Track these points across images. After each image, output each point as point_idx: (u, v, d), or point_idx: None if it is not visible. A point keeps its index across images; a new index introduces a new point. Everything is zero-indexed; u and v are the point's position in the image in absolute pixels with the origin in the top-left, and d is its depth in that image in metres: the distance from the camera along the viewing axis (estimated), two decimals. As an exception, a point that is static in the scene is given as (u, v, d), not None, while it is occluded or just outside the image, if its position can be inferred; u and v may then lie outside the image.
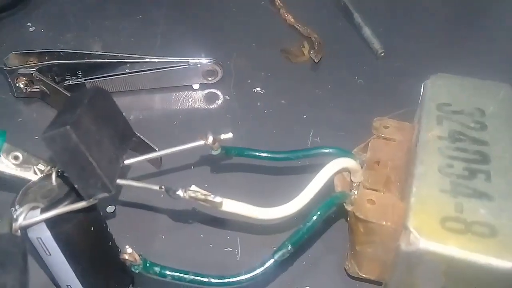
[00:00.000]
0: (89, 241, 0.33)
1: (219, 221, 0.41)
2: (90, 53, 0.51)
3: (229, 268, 0.37)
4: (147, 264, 0.30)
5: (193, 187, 0.29)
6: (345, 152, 0.33)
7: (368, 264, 0.33)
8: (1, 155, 0.34)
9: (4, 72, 0.50)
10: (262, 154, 0.34)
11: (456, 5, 0.64)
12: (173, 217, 0.41)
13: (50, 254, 0.32)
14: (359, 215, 0.30)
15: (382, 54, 0.54)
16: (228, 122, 0.49)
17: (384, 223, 0.30)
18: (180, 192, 0.29)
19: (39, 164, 0.35)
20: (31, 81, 0.50)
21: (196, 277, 0.30)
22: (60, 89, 0.48)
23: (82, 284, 0.33)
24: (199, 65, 0.52)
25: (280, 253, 0.30)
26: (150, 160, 0.43)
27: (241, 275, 0.30)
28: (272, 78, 0.54)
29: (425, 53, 0.55)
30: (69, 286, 0.33)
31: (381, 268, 0.33)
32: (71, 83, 0.51)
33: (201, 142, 0.32)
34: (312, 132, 0.47)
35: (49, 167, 0.34)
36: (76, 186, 0.29)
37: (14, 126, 0.49)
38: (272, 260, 0.30)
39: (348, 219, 0.34)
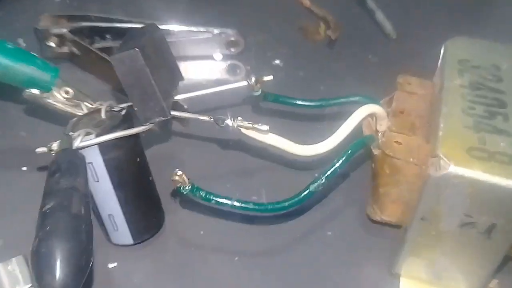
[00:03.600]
0: (135, 172, 0.35)
1: (245, 174, 0.43)
2: (119, 19, 0.54)
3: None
4: (195, 188, 0.32)
5: (240, 118, 0.32)
6: (374, 100, 0.36)
7: (391, 206, 0.36)
8: (54, 89, 0.36)
9: (36, 31, 0.52)
10: (296, 101, 0.36)
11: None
12: (200, 168, 0.44)
13: (98, 181, 0.34)
14: (388, 153, 0.33)
15: (394, 36, 0.58)
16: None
17: (411, 160, 0.33)
18: (228, 121, 0.32)
19: (87, 102, 0.37)
20: (61, 41, 0.52)
21: (239, 203, 0.32)
22: (92, 49, 0.50)
23: (124, 214, 0.35)
24: (223, 35, 0.54)
25: (315, 185, 0.33)
26: (178, 119, 0.45)
27: (281, 203, 0.33)
28: (290, 53, 0.57)
29: (434, 35, 0.59)
30: (111, 216, 0.36)
31: (403, 209, 0.36)
32: (99, 46, 0.53)
33: (245, 83, 0.35)
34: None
35: (97, 104, 0.37)
36: (136, 108, 0.31)
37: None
38: (307, 191, 0.33)
39: (373, 164, 0.37)
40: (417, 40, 0.58)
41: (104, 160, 0.33)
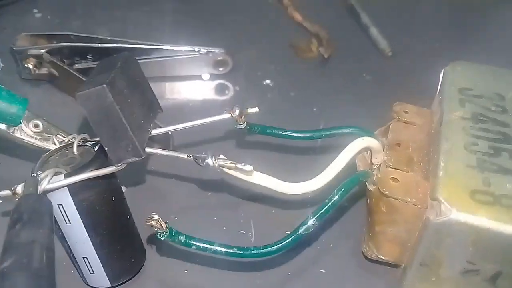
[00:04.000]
0: (110, 212, 0.32)
1: (232, 205, 0.41)
2: (100, 38, 0.51)
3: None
4: (173, 233, 0.29)
5: (222, 156, 0.29)
6: (367, 132, 0.33)
7: (387, 245, 0.33)
8: (22, 123, 0.33)
9: (13, 52, 0.50)
10: (285, 133, 0.34)
11: (459, 6, 0.66)
12: (185, 199, 0.41)
13: (69, 223, 0.31)
14: (385, 191, 0.31)
15: (390, 54, 0.56)
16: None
17: (409, 199, 0.30)
18: (209, 160, 0.29)
19: (58, 135, 0.35)
20: (40, 62, 0.50)
21: (221, 248, 0.30)
22: (71, 70, 0.48)
23: (99, 257, 0.33)
24: (210, 55, 0.52)
25: (305, 227, 0.31)
26: (160, 141, 0.42)
27: (267, 247, 0.30)
28: (281, 72, 0.54)
29: (431, 53, 0.57)
30: (85, 258, 0.33)
31: (401, 249, 0.33)
32: (80, 67, 0.50)
33: (227, 115, 0.32)
34: (322, 126, 0.48)
35: (69, 137, 0.34)
36: (106, 148, 0.28)
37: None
38: (296, 234, 0.30)
39: (368, 200, 0.34)
40: (413, 57, 0.56)
41: (75, 202, 0.30)
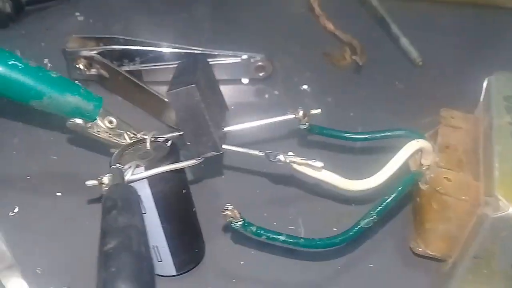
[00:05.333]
0: (180, 204, 0.35)
1: (281, 203, 0.43)
2: (148, 42, 0.53)
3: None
4: (246, 223, 0.32)
5: (291, 153, 0.32)
6: (419, 135, 0.36)
7: (437, 241, 0.36)
8: (98, 119, 0.36)
9: (65, 53, 0.52)
10: (343, 134, 0.36)
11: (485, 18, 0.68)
12: (236, 197, 0.43)
13: (145, 213, 0.33)
14: (440, 190, 0.33)
15: (420, 63, 0.58)
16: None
17: (462, 197, 0.33)
18: (281, 157, 0.31)
19: (129, 131, 0.37)
20: (90, 64, 0.52)
21: (289, 239, 0.32)
22: (122, 72, 0.50)
23: (168, 246, 0.35)
24: (251, 60, 0.54)
25: (366, 221, 0.33)
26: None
27: (332, 239, 0.32)
28: (317, 78, 0.57)
29: (459, 62, 0.59)
30: (155, 247, 0.35)
31: (450, 244, 0.35)
32: (127, 69, 0.53)
33: (292, 116, 0.34)
34: (359, 130, 0.50)
35: (140, 134, 0.36)
36: (188, 143, 0.31)
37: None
38: (358, 227, 0.33)
39: (418, 199, 0.37)
40: (442, 67, 0.59)
41: (153, 193, 0.33)
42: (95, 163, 0.40)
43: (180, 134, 0.32)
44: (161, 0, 0.69)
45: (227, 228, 0.39)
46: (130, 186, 0.30)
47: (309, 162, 0.31)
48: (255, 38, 0.62)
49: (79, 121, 0.35)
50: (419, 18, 0.67)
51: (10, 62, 0.32)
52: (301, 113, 0.34)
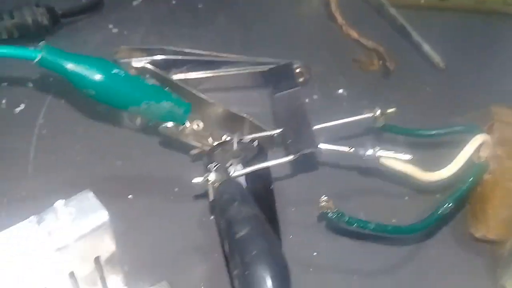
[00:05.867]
0: (270, 199, 0.37)
1: (343, 198, 0.46)
2: (194, 52, 0.56)
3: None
4: (339, 213, 0.34)
5: (378, 148, 0.35)
6: (481, 130, 0.40)
7: (499, 226, 0.39)
8: (187, 123, 0.38)
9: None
10: (417, 132, 0.40)
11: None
12: (297, 194, 0.46)
13: (239, 208, 0.35)
14: (506, 177, 0.37)
15: (444, 66, 0.62)
16: (319, 119, 0.55)
17: (528, 184, 0.36)
18: (370, 151, 0.34)
19: (214, 133, 0.39)
20: (140, 73, 0.54)
21: (377, 227, 0.35)
22: (173, 80, 0.52)
23: None
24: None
25: (443, 208, 0.36)
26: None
27: (414, 225, 0.35)
28: (350, 83, 0.60)
29: (480, 66, 0.64)
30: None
31: (510, 229, 0.39)
32: (177, 77, 0.55)
33: (370, 115, 0.37)
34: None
35: (224, 136, 0.39)
36: (289, 141, 0.33)
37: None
38: (438, 213, 0.36)
39: (480, 188, 0.40)
40: (464, 70, 0.63)
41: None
42: (162, 166, 0.41)
43: (272, 134, 0.35)
44: (186, 12, 0.71)
45: (296, 220, 0.42)
46: (239, 182, 0.33)
47: (397, 155, 0.34)
48: (282, 47, 0.65)
49: (170, 125, 0.37)
50: (434, 26, 0.71)
51: (113, 71, 0.34)
52: (378, 112, 0.37)
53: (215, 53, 0.56)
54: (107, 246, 0.32)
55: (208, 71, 0.55)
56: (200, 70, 0.55)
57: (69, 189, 0.31)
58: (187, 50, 0.55)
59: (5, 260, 0.27)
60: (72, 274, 0.30)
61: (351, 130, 0.46)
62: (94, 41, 0.63)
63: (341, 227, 0.39)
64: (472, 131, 0.40)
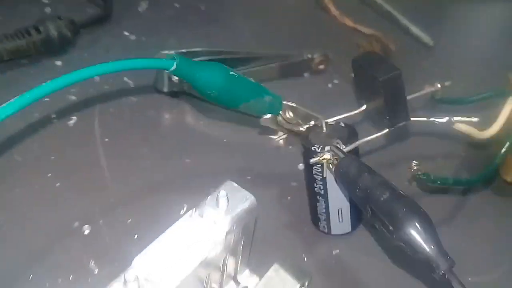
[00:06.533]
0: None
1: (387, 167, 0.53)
2: (231, 50, 0.60)
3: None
4: (431, 176, 0.41)
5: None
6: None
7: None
8: (281, 113, 0.43)
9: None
10: (467, 99, 0.47)
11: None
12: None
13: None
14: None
15: (433, 44, 0.71)
16: (343, 103, 0.61)
17: None
18: (446, 118, 0.41)
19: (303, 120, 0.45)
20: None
21: (455, 181, 0.42)
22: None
23: (350, 207, 0.43)
24: (312, 57, 0.63)
25: (498, 158, 0.44)
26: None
27: (482, 175, 0.43)
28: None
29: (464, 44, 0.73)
30: (340, 210, 0.43)
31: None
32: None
33: (431, 89, 0.45)
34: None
35: (312, 121, 0.44)
36: (388, 116, 0.39)
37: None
38: (495, 163, 0.44)
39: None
40: (451, 46, 0.72)
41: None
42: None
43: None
44: (192, 15, 0.74)
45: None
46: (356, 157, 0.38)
47: (469, 119, 0.41)
48: (289, 41, 0.71)
49: (268, 116, 0.42)
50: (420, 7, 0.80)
51: (230, 73, 0.38)
52: (438, 85, 0.44)
53: (246, 50, 0.60)
54: (251, 228, 0.37)
55: (245, 67, 0.60)
56: (239, 66, 0.59)
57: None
58: (226, 50, 0.59)
59: (181, 253, 0.31)
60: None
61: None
62: (115, 49, 0.65)
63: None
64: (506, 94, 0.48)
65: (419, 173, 0.41)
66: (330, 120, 0.44)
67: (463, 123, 0.42)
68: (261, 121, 0.43)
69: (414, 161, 0.41)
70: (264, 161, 0.51)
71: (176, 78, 0.57)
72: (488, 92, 0.48)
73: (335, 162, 0.39)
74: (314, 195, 0.43)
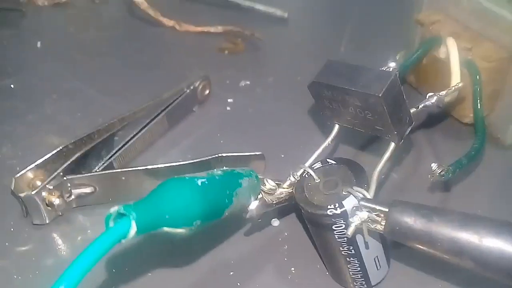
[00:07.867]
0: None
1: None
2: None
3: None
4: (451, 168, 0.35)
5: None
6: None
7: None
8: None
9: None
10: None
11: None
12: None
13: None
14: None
15: (287, 15, 0.64)
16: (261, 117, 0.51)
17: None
18: (433, 99, 0.35)
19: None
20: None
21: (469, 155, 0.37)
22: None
23: (384, 253, 0.35)
24: (196, 86, 0.51)
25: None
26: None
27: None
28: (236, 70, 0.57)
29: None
30: (376, 257, 0.34)
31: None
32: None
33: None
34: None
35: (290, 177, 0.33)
36: (394, 128, 0.30)
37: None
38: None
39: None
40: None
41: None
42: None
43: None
44: None
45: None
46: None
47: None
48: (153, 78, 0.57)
49: (254, 203, 0.30)
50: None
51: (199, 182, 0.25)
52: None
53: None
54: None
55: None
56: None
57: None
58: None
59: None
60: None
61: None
62: None
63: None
64: (439, 41, 0.43)
65: (442, 172, 0.34)
66: (309, 163, 0.34)
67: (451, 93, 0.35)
68: (249, 215, 0.31)
69: (432, 164, 0.33)
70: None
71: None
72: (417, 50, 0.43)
73: (375, 217, 0.29)
74: (340, 259, 0.34)
